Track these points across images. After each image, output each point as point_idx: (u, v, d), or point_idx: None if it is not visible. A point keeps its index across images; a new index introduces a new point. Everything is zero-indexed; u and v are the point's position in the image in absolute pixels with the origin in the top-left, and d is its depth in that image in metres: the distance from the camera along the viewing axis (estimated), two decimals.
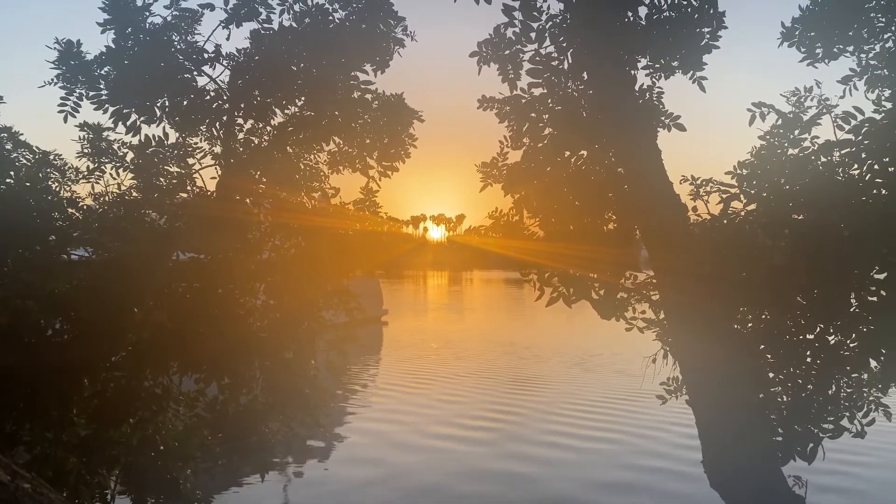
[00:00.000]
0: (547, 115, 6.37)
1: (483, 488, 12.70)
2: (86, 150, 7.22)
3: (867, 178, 5.47)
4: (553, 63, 6.26)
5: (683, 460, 13.72)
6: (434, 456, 14.79)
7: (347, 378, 21.26)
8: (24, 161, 7.25)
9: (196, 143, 7.18)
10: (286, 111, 7.21)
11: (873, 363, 5.60)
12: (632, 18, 6.14)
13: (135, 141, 6.89)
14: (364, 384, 22.79)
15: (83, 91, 6.61)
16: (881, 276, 5.42)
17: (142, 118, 6.82)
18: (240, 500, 11.95)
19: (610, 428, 16.58)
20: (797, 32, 6.56)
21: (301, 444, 13.70)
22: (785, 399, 5.90)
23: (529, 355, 28.40)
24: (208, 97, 7.02)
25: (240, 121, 7.16)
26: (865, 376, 5.78)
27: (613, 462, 14.12)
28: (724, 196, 6.10)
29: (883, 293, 5.39)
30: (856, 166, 5.55)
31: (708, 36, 6.11)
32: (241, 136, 7.19)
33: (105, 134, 7.19)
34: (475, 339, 34.23)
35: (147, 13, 6.76)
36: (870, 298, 5.44)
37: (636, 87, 6.19)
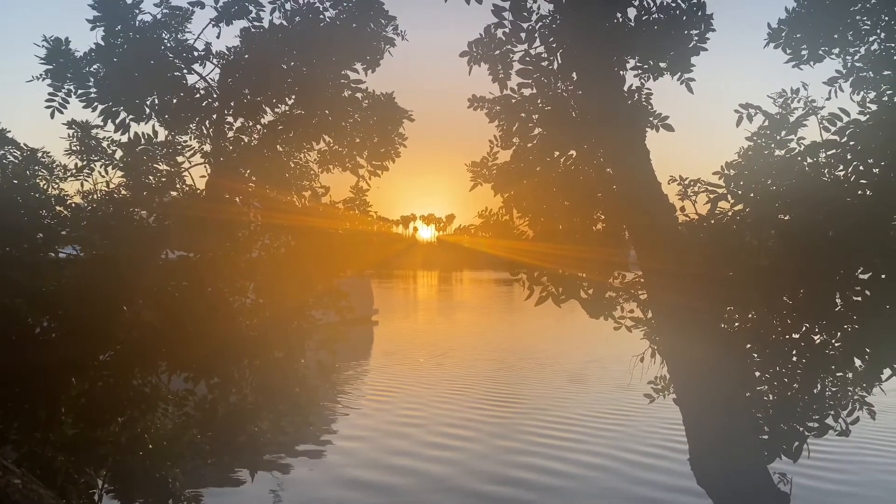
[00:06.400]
0: (537, 115, 6.39)
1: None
2: (74, 148, 7.19)
3: (852, 178, 5.54)
4: (543, 63, 6.29)
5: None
6: (426, 458, 14.80)
7: (337, 378, 21.13)
8: (12, 158, 7.23)
9: (185, 142, 7.16)
10: (276, 110, 7.20)
11: (858, 362, 5.66)
12: (621, 20, 6.18)
13: (124, 139, 6.86)
14: (354, 384, 22.78)
15: (71, 88, 6.58)
16: (866, 276, 5.49)
17: (131, 116, 6.79)
18: (229, 499, 11.92)
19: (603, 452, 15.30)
20: (783, 34, 6.62)
21: (291, 443, 13.71)
22: (771, 398, 5.95)
23: (518, 361, 27.82)
24: (198, 95, 7.00)
25: (229, 119, 7.14)
26: (850, 375, 5.83)
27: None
28: (712, 196, 6.15)
29: (867, 293, 5.45)
30: (841, 167, 5.62)
31: (696, 38, 6.15)
32: (230, 134, 7.17)
33: (94, 131, 7.17)
34: (465, 341, 34.28)
35: (137, 10, 6.72)
36: (854, 298, 5.50)
37: (625, 88, 6.23)
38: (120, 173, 7.11)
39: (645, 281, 6.30)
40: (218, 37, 7.01)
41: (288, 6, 7.04)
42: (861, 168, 5.48)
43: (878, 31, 6.43)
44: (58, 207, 6.96)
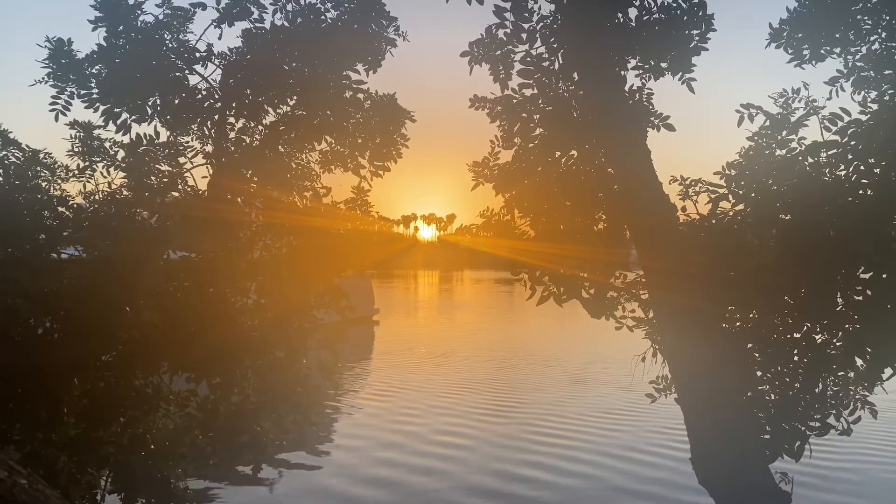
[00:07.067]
0: (538, 116, 6.40)
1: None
2: (76, 149, 7.21)
3: (853, 178, 5.53)
4: (544, 64, 6.29)
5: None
6: (426, 461, 14.79)
7: (339, 377, 21.07)
8: (14, 159, 7.23)
9: (187, 142, 7.18)
10: (278, 110, 7.22)
11: (859, 362, 5.67)
12: (622, 20, 6.18)
13: (126, 139, 6.88)
14: (356, 383, 22.79)
15: (74, 90, 6.59)
16: (867, 276, 5.49)
17: (133, 117, 6.81)
18: (231, 499, 11.93)
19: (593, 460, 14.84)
20: (784, 34, 6.62)
21: (293, 443, 13.70)
22: (772, 397, 5.96)
23: (519, 361, 27.64)
24: (200, 96, 7.02)
25: (231, 120, 7.17)
26: (852, 375, 5.84)
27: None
28: (713, 196, 6.16)
29: (869, 293, 5.45)
30: (842, 167, 5.61)
31: (697, 38, 6.16)
32: (232, 135, 7.19)
33: (96, 132, 7.18)
34: (465, 341, 34.27)
35: (139, 11, 6.74)
36: (856, 298, 5.50)
37: (626, 88, 6.23)
38: (122, 174, 7.13)
39: (646, 281, 6.30)
40: (220, 38, 7.03)
41: (289, 7, 7.06)
42: (862, 168, 5.48)
43: (880, 30, 6.44)
44: (60, 208, 6.97)
